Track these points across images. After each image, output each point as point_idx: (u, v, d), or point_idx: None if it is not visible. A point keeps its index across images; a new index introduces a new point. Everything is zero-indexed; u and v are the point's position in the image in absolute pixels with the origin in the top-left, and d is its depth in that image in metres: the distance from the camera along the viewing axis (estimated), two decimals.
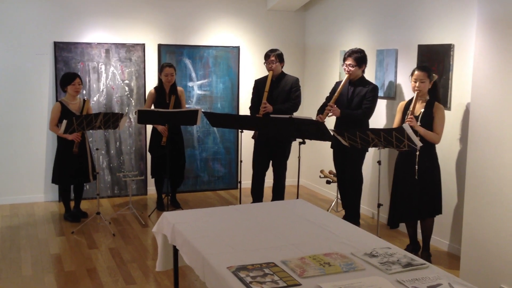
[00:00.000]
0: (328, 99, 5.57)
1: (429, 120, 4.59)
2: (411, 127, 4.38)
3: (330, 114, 5.33)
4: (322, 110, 5.49)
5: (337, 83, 5.62)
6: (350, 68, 5.36)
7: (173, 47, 7.06)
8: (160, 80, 6.20)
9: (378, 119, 5.97)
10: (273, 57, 5.80)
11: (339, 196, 6.03)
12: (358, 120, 5.31)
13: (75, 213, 5.98)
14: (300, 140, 5.24)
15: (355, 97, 5.37)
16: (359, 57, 5.37)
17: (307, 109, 7.23)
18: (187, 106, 7.07)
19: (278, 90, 5.83)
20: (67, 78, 5.71)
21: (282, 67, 5.91)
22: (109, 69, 6.81)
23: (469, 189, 4.11)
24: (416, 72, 4.62)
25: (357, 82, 5.41)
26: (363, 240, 3.17)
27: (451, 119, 4.93)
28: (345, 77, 5.44)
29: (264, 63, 5.90)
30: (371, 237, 3.28)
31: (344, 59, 5.44)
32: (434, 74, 4.67)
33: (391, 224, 4.95)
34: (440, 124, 4.60)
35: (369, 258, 2.83)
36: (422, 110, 4.63)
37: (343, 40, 6.71)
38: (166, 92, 6.17)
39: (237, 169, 7.46)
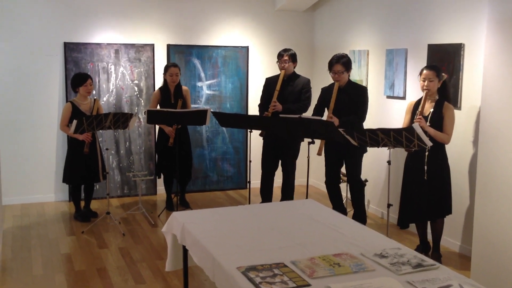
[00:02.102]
0: (318, 107, 5.54)
1: (439, 120, 4.57)
2: (421, 127, 4.37)
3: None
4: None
5: (323, 90, 5.56)
6: (340, 74, 5.25)
7: (182, 47, 7.07)
8: (165, 80, 6.21)
9: (388, 118, 5.95)
10: (286, 56, 5.79)
11: (348, 195, 6.00)
12: (356, 124, 5.31)
13: (85, 213, 6.01)
14: (309, 140, 5.23)
15: (350, 103, 5.27)
16: (346, 62, 5.29)
17: None
18: (196, 106, 7.09)
19: (289, 90, 5.82)
20: (78, 79, 5.73)
21: (294, 67, 5.89)
22: (119, 70, 6.83)
23: (480, 189, 4.09)
24: (424, 71, 4.60)
25: (346, 87, 5.34)
26: (373, 241, 3.16)
27: (462, 119, 4.90)
28: (332, 83, 5.37)
29: (277, 62, 5.88)
30: (381, 237, 3.27)
31: (332, 66, 5.30)
32: (443, 74, 4.65)
33: (401, 224, 4.93)
34: (450, 124, 4.57)
35: (379, 259, 2.82)
36: (432, 110, 4.60)
37: (352, 40, 6.69)
38: (171, 93, 6.17)
39: (246, 169, 7.46)
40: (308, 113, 6.01)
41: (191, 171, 6.55)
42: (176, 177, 6.17)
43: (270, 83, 5.96)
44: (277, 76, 5.86)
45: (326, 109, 5.50)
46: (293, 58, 5.84)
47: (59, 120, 6.62)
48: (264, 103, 5.94)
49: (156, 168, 6.51)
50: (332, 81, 5.45)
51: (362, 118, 5.34)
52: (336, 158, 5.44)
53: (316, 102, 5.65)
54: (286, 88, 5.82)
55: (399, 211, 4.90)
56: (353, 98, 5.30)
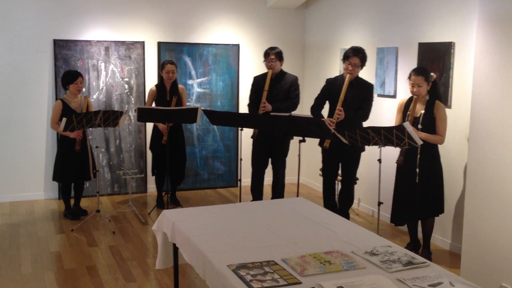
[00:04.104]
0: (321, 98, 5.49)
1: (431, 121, 4.56)
2: None
3: (338, 117, 5.15)
4: (316, 110, 5.44)
5: (329, 81, 5.51)
6: (355, 68, 5.17)
7: (173, 45, 7.05)
8: (161, 77, 6.20)
9: (378, 117, 5.97)
10: (272, 55, 5.77)
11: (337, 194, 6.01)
12: (360, 120, 5.30)
13: (75, 210, 5.97)
14: (300, 138, 5.23)
15: (356, 98, 5.24)
16: (364, 57, 5.21)
17: (307, 107, 7.21)
18: (187, 104, 7.07)
19: (277, 88, 5.82)
20: (69, 77, 5.69)
21: (281, 65, 5.88)
22: (109, 67, 6.80)
23: (470, 187, 4.10)
24: (412, 77, 4.56)
25: (354, 82, 5.27)
26: (364, 239, 3.16)
27: (452, 117, 4.92)
28: (339, 75, 5.34)
29: (264, 61, 5.87)
30: (372, 235, 3.28)
31: (347, 57, 5.19)
32: (432, 74, 4.61)
33: (395, 221, 4.93)
34: (442, 124, 4.56)
35: (370, 257, 2.82)
36: (423, 111, 4.59)
37: (343, 38, 6.70)
38: (167, 90, 6.16)
39: (237, 167, 7.45)
40: (308, 104, 5.96)
41: (184, 170, 6.55)
42: (168, 175, 6.16)
43: (258, 82, 5.94)
44: (265, 75, 5.84)
45: (327, 101, 5.45)
46: (280, 56, 5.82)
47: (48, 117, 6.58)
48: (253, 103, 5.93)
49: (152, 166, 6.46)
50: (337, 74, 5.38)
51: (367, 114, 5.30)
52: (335, 156, 5.42)
53: (319, 92, 5.56)
54: (275, 87, 5.81)
55: (393, 209, 4.90)
56: (360, 93, 5.25)
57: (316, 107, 5.48)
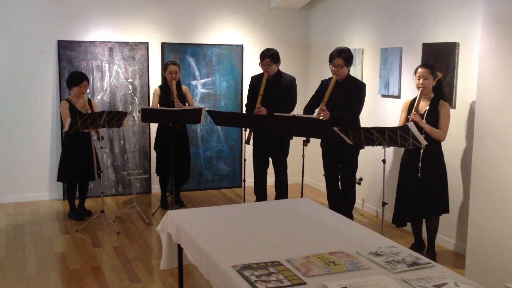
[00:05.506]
0: (314, 98, 5.51)
1: (434, 117, 4.58)
2: (416, 123, 4.40)
3: (321, 117, 5.14)
4: (308, 111, 5.45)
5: (323, 82, 5.52)
6: (339, 68, 5.19)
7: (177, 46, 7.05)
8: (164, 78, 6.20)
9: (382, 117, 5.96)
10: (267, 58, 5.72)
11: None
12: (348, 120, 5.24)
13: (79, 211, 5.99)
14: (304, 138, 5.23)
15: (345, 98, 5.24)
16: (347, 56, 5.22)
17: None
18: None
19: (275, 90, 5.79)
20: (74, 79, 5.69)
21: (277, 66, 5.86)
22: (113, 68, 6.81)
23: (474, 187, 4.10)
24: (419, 70, 4.61)
25: (344, 82, 5.29)
26: (368, 239, 3.16)
27: (457, 117, 4.91)
28: (331, 76, 5.33)
29: (260, 63, 5.85)
30: (376, 236, 3.28)
31: (332, 59, 5.24)
32: (438, 72, 4.66)
33: (396, 222, 4.93)
34: (445, 121, 4.58)
35: (374, 257, 2.82)
36: (427, 108, 4.61)
37: (347, 39, 6.69)
38: (171, 90, 6.17)
39: (241, 167, 7.45)
40: (302, 106, 5.98)
41: (189, 171, 6.55)
42: (172, 176, 6.16)
43: (255, 82, 5.93)
44: (262, 75, 5.83)
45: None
46: (275, 58, 5.79)
47: (53, 118, 6.62)
48: (251, 104, 5.92)
49: (156, 166, 6.46)
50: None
51: (354, 113, 5.27)
52: (334, 157, 5.42)
53: (314, 93, 5.58)
54: (272, 89, 5.79)
55: (395, 209, 4.91)
56: (348, 93, 5.26)
57: (308, 108, 5.51)
